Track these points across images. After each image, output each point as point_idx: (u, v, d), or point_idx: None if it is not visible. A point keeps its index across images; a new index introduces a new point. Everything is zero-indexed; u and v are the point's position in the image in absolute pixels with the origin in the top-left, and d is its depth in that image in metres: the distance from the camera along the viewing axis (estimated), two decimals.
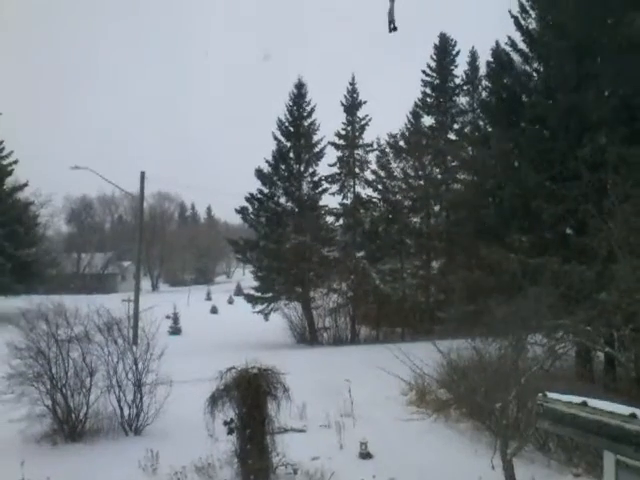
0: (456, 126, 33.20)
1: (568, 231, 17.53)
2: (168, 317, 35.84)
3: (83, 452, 10.75)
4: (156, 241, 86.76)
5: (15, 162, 45.35)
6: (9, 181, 45.62)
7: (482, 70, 30.16)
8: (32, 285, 43.10)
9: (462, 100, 33.68)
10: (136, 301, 27.96)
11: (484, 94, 27.06)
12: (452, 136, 33.18)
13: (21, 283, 41.35)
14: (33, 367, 11.52)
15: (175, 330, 36.07)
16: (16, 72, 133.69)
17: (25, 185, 46.54)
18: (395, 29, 15.21)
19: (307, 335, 31.35)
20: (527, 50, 18.49)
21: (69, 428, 11.52)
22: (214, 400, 9.11)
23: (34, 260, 45.30)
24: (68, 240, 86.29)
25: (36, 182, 49.34)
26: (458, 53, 34.25)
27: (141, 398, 11.93)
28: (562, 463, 9.34)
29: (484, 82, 27.83)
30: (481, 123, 26.17)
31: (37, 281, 45.41)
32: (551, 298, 11.35)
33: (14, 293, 40.55)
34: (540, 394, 4.95)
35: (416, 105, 33.91)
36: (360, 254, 32.71)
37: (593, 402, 4.68)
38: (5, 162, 45.20)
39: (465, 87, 33.70)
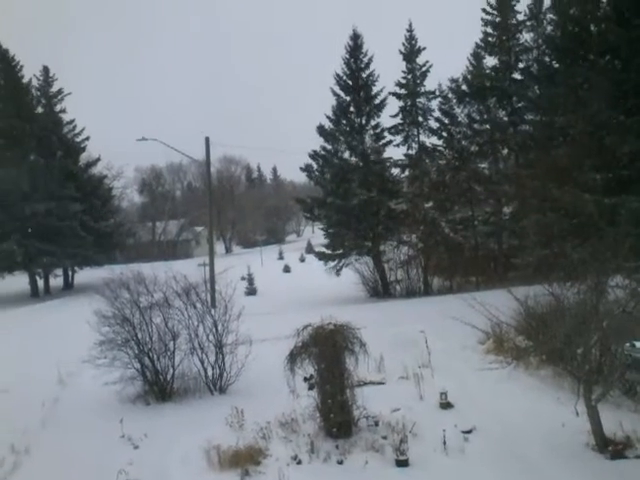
0: (520, 65, 31.71)
1: None
2: (243, 278, 36.58)
3: (174, 411, 11.33)
4: (226, 204, 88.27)
5: (87, 139, 47.03)
6: (83, 157, 47.44)
7: (547, 3, 28.76)
8: (112, 255, 44.99)
9: (526, 37, 31.98)
10: (211, 265, 28.69)
11: (549, 28, 25.82)
12: (517, 76, 31.80)
13: (102, 254, 43.23)
14: (120, 333, 12.17)
15: (251, 291, 36.76)
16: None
17: (98, 160, 48.27)
18: None
19: (379, 288, 31.46)
20: None
21: (159, 389, 12.15)
22: (293, 357, 9.37)
23: (112, 231, 47.29)
24: (142, 210, 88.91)
25: (106, 155, 51.06)
26: None
27: (223, 358, 12.34)
28: None
29: (549, 16, 26.56)
30: (547, 59, 24.98)
31: (116, 251, 47.31)
32: (630, 238, 10.92)
33: (97, 264, 42.69)
34: (627, 344, 4.74)
35: (477, 46, 32.42)
36: (428, 205, 32.27)
37: None
38: (78, 139, 46.89)
39: (529, 23, 31.95)
